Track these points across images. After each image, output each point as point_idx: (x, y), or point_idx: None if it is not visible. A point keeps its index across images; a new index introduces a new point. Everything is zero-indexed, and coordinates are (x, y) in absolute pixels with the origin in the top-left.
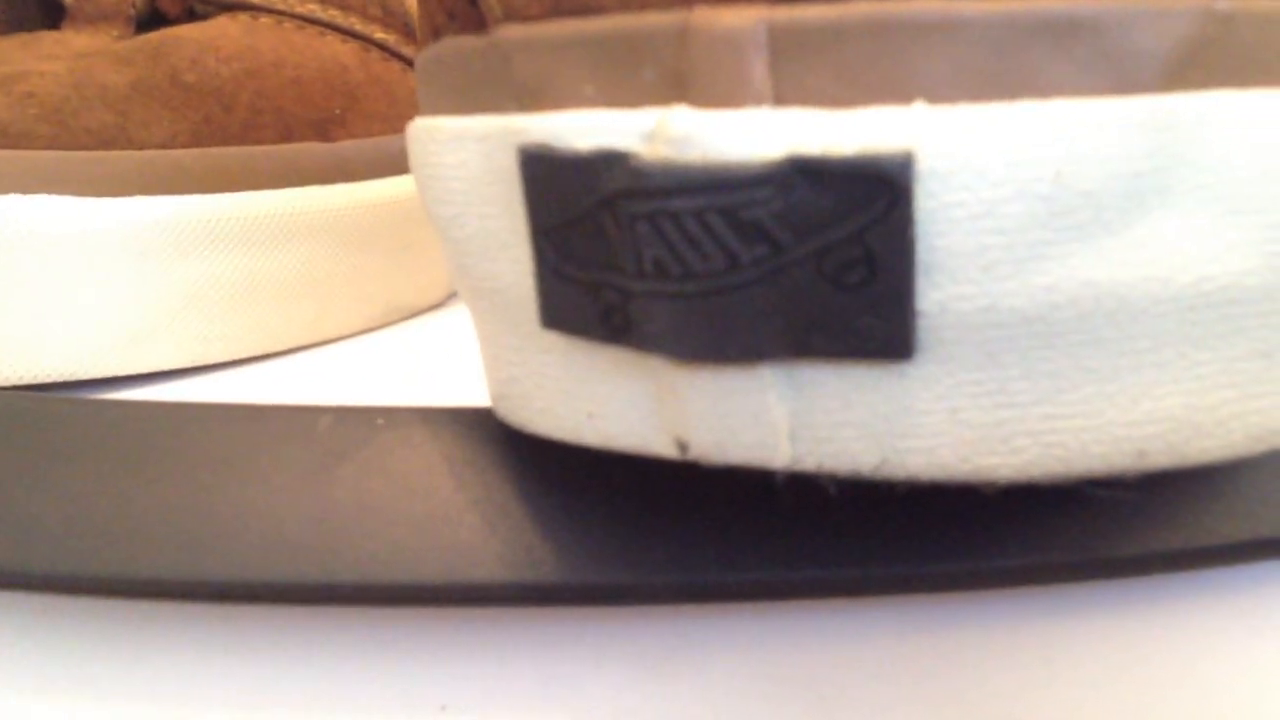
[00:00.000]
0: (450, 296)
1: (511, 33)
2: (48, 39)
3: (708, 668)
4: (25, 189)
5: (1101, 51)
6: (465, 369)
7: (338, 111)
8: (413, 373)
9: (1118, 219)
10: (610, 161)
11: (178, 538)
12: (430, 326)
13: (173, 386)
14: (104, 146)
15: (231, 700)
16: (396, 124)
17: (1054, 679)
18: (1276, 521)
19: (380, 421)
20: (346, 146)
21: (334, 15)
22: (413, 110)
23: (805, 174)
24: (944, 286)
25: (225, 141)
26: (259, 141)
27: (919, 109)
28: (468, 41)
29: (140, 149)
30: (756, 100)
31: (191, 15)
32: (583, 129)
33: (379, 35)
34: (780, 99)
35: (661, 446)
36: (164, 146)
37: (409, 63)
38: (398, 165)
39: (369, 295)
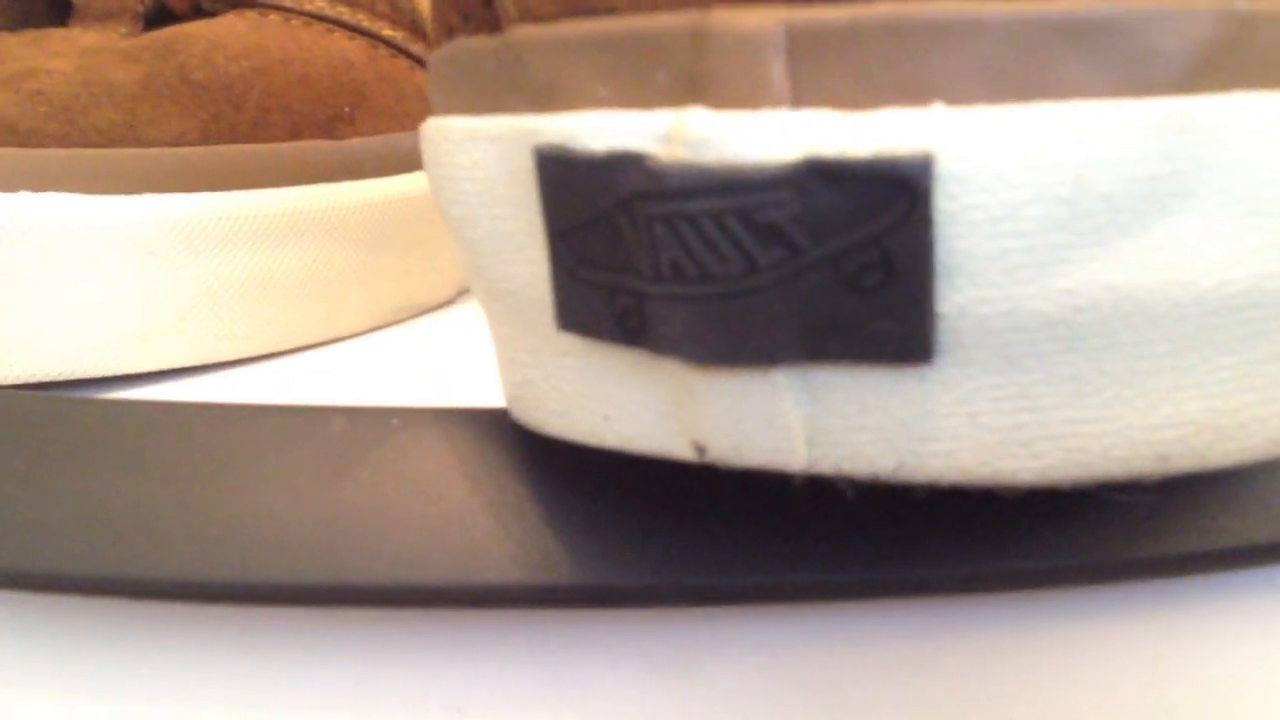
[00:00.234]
0: (460, 293)
1: (526, 33)
2: (55, 36)
3: (722, 670)
4: (34, 187)
5: (1121, 53)
6: (477, 367)
7: (346, 109)
8: (424, 371)
9: (1138, 222)
10: (626, 163)
11: (189, 539)
12: (440, 324)
13: (182, 385)
14: (113, 144)
15: (243, 702)
16: (405, 121)
17: (1071, 682)
18: None
19: (395, 422)
20: (355, 144)
21: (341, 12)
22: (421, 107)
23: (823, 176)
24: (963, 290)
25: (234, 139)
26: (268, 139)
27: (938, 111)
28: (482, 42)
29: (149, 147)
30: (774, 102)
31: (199, 12)
32: (599, 130)
33: (387, 32)
34: (798, 100)
35: (679, 449)
36: (173, 144)
37: (417, 59)
38: (406, 163)
39: (379, 293)
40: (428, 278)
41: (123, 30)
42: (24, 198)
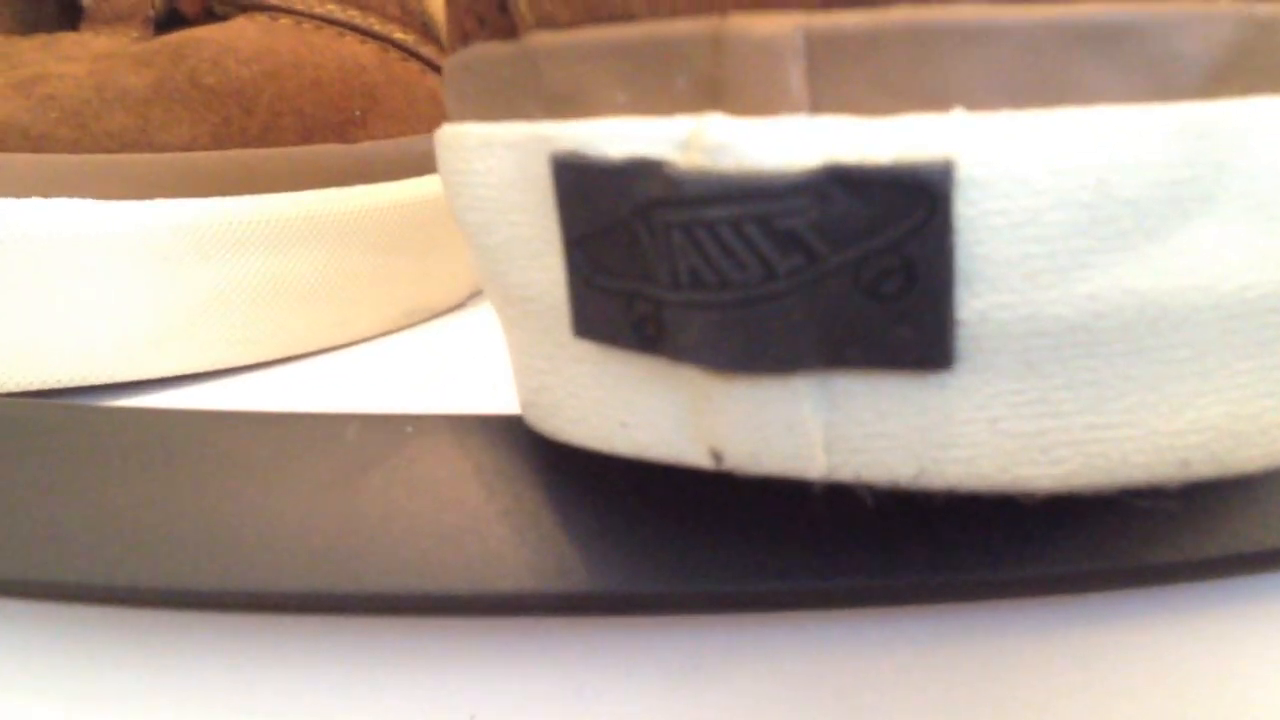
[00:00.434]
0: (472, 296)
1: (542, 40)
2: (67, 40)
3: (738, 678)
4: (46, 192)
5: (1142, 58)
6: (489, 371)
7: (357, 113)
8: (436, 375)
9: (1160, 227)
10: (644, 170)
11: (202, 547)
12: (452, 328)
13: (195, 390)
14: (124, 149)
15: (256, 710)
16: (416, 124)
17: (1091, 688)
18: None
19: (409, 429)
20: (366, 148)
21: (353, 15)
22: (432, 111)
23: (842, 183)
24: (984, 295)
25: (245, 144)
26: (279, 143)
27: (958, 116)
28: (497, 48)
29: (160, 151)
30: (793, 108)
31: (210, 16)
32: (616, 136)
33: (398, 35)
34: (817, 107)
35: (696, 457)
36: (184, 149)
37: (428, 62)
38: (418, 166)
39: (391, 297)
40: (440, 281)
41: (134, 34)
42: (35, 203)
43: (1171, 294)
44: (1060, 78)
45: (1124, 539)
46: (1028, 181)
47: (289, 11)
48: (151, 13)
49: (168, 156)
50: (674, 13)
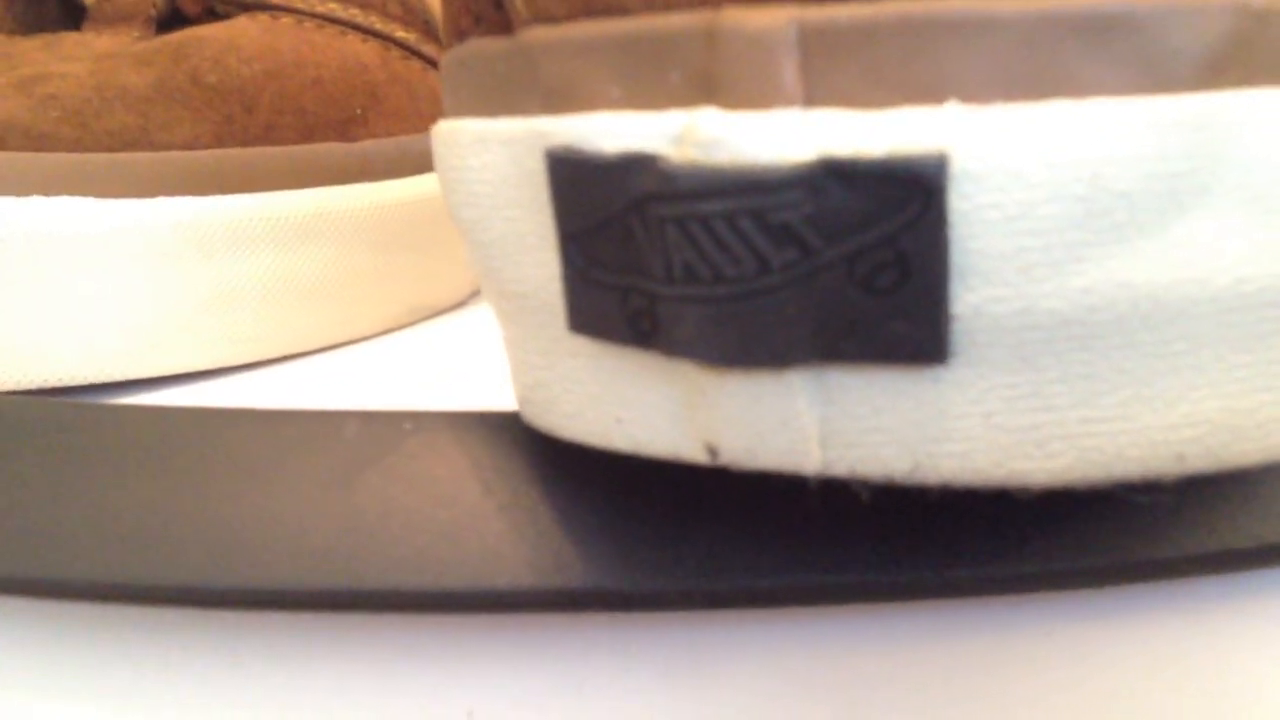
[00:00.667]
0: (472, 295)
1: (537, 35)
2: (69, 40)
3: (736, 674)
4: (47, 191)
5: (1137, 50)
6: (489, 369)
7: (359, 111)
8: (437, 373)
9: (1155, 220)
10: (638, 164)
11: (201, 544)
12: (453, 326)
13: (195, 389)
14: (126, 148)
15: (256, 706)
16: (418, 123)
17: (1087, 684)
18: None
19: (407, 426)
20: (368, 146)
21: (354, 14)
22: (433, 109)
23: (836, 176)
24: (978, 289)
25: (247, 142)
26: (280, 142)
27: (953, 109)
28: (493, 44)
29: (162, 150)
30: (787, 102)
31: (212, 15)
32: (610, 131)
33: (399, 34)
34: (811, 100)
35: (691, 452)
36: (186, 148)
37: (429, 61)
38: (419, 164)
39: (392, 295)
40: (442, 279)
41: (135, 34)
42: (37, 202)
43: (1167, 287)
44: (1054, 70)
45: (1120, 534)
46: (1022, 175)
47: (290, 10)
48: (153, 12)
49: (169, 155)
50: (668, 7)
